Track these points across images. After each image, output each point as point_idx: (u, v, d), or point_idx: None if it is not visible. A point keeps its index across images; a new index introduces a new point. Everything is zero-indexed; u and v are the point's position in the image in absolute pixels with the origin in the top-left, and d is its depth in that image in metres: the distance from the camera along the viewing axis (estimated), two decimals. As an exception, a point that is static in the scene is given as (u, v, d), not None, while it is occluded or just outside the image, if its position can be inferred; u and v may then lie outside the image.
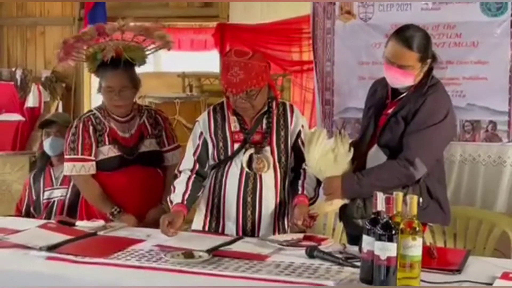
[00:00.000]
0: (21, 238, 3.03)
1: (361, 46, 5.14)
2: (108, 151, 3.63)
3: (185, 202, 3.24)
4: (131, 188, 3.59)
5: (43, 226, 3.26)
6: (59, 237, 3.05)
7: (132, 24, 3.63)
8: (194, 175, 3.33)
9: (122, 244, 3.00)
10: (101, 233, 3.22)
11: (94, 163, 3.62)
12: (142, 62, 3.71)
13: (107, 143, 3.63)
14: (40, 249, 2.88)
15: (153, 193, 3.66)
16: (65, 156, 3.68)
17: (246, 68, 3.15)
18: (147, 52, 3.71)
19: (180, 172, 3.36)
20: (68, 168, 3.65)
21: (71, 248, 2.93)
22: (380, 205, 2.42)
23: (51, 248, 2.89)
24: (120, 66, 3.55)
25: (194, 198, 3.32)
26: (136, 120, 3.69)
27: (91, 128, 3.63)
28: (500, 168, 4.80)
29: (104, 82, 3.61)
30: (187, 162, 3.36)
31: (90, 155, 3.60)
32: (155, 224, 3.30)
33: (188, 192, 3.28)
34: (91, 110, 3.77)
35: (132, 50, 3.60)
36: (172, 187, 3.34)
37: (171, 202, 3.29)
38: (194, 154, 3.35)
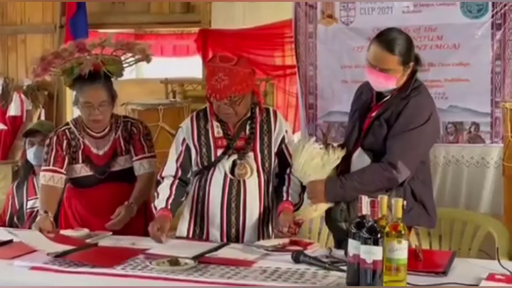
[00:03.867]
0: (28, 238, 3.00)
1: (344, 49, 5.16)
2: (81, 169, 3.60)
3: (169, 207, 3.25)
4: (103, 204, 3.54)
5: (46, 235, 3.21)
6: (62, 247, 2.98)
7: (113, 40, 3.57)
8: (177, 180, 3.32)
9: (126, 254, 2.94)
10: (103, 244, 3.16)
11: (63, 176, 3.57)
12: (120, 75, 3.65)
13: (80, 161, 3.59)
14: (48, 254, 2.84)
15: None
16: (41, 167, 3.65)
17: (231, 74, 3.14)
18: (125, 65, 3.66)
19: (162, 178, 3.35)
20: (41, 178, 3.61)
21: (78, 256, 2.88)
22: (365, 209, 2.42)
23: (59, 255, 2.85)
24: (98, 80, 3.49)
25: (178, 203, 3.32)
26: (111, 136, 3.63)
27: (65, 142, 3.58)
28: (484, 169, 4.83)
29: (82, 97, 3.53)
30: (170, 168, 3.35)
31: (61, 167, 3.56)
32: (120, 222, 3.35)
33: (172, 197, 3.27)
34: (67, 124, 3.70)
35: (110, 64, 3.55)
36: (155, 193, 3.33)
37: (155, 208, 3.29)
38: (176, 160, 3.34)
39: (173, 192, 3.28)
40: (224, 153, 3.29)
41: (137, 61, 3.65)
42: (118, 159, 3.61)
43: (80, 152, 3.59)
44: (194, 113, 3.41)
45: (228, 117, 3.25)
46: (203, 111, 3.38)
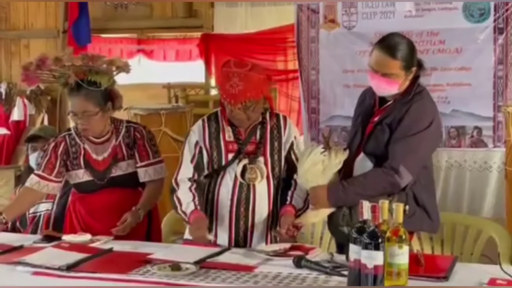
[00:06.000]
0: (38, 259, 2.95)
1: (346, 54, 5.17)
2: (83, 175, 3.58)
3: (198, 207, 3.24)
4: (106, 210, 3.53)
5: (57, 246, 3.18)
6: (76, 256, 2.98)
7: (72, 54, 3.54)
8: (194, 183, 3.31)
9: (140, 259, 2.92)
10: (117, 249, 3.15)
11: (51, 184, 3.56)
12: (111, 83, 3.56)
13: (82, 166, 3.59)
14: (60, 268, 2.81)
15: None
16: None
17: (246, 80, 3.15)
18: (112, 75, 3.57)
19: (178, 182, 3.32)
20: (28, 180, 3.61)
21: (90, 266, 2.87)
22: (366, 214, 2.42)
23: (70, 267, 2.83)
24: (81, 90, 3.45)
25: (203, 202, 3.31)
26: (111, 142, 3.60)
27: (61, 149, 3.57)
28: (486, 173, 4.82)
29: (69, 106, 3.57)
30: (185, 171, 3.33)
31: (50, 175, 3.55)
32: (125, 228, 3.34)
33: (196, 197, 3.27)
34: (69, 129, 3.68)
35: (97, 73, 3.49)
36: (176, 199, 3.30)
37: (184, 213, 3.25)
38: (191, 162, 3.32)
39: (195, 193, 3.28)
40: (235, 157, 3.29)
41: (117, 71, 3.59)
42: (119, 164, 3.59)
43: (81, 157, 3.58)
44: (205, 117, 3.39)
45: (241, 122, 3.26)
46: (214, 114, 3.38)
